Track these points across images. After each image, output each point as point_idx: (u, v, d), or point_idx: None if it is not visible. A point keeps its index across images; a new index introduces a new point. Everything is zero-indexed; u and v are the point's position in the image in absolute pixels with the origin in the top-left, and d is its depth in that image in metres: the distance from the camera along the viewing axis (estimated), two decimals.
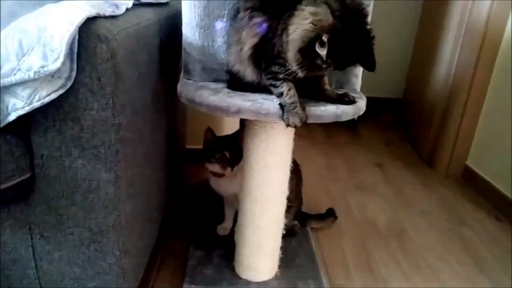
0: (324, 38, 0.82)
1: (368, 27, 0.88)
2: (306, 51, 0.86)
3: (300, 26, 0.85)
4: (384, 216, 1.70)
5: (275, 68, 0.93)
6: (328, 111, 0.94)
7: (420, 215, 1.74)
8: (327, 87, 1.04)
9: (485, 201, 1.88)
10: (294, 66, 0.88)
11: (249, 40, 0.95)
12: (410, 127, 2.61)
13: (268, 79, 0.96)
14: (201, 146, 1.31)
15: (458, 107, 2.03)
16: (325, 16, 0.84)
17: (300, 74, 0.89)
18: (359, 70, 1.13)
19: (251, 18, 0.94)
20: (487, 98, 1.97)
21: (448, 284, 1.33)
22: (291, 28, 0.87)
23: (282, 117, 0.92)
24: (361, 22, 0.87)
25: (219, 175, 1.27)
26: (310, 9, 0.85)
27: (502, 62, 1.88)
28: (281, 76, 0.93)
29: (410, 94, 2.75)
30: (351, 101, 0.99)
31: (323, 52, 0.84)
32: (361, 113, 1.02)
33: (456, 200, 1.89)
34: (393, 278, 1.34)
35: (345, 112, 0.95)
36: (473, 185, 2.00)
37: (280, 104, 0.93)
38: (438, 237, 1.59)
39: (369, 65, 0.88)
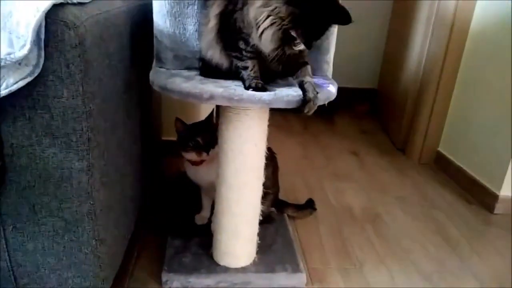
0: (293, 33, 0.85)
1: None
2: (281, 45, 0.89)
3: (262, 22, 0.87)
4: (360, 202, 1.74)
5: (241, 44, 0.95)
6: (298, 96, 0.95)
7: (395, 200, 1.79)
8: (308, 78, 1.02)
9: (456, 185, 1.95)
10: (261, 46, 0.91)
11: (213, 14, 0.97)
12: (384, 116, 2.66)
13: (235, 54, 0.98)
14: (176, 138, 1.31)
15: (429, 96, 2.10)
16: (277, 4, 0.85)
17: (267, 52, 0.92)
18: (330, 57, 1.15)
19: None
20: (456, 86, 2.04)
21: (421, 264, 1.38)
22: (251, 14, 0.89)
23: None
24: None
25: (197, 163, 1.28)
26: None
27: (470, 52, 1.95)
28: (246, 54, 0.96)
29: (384, 84, 2.80)
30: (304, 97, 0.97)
31: (297, 40, 0.86)
32: (332, 98, 1.04)
33: (429, 185, 1.95)
34: (368, 260, 1.38)
35: (316, 97, 0.97)
36: (445, 170, 2.07)
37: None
38: (411, 220, 1.64)
39: (343, 19, 0.87)
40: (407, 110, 2.25)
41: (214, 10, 0.98)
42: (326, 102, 1.01)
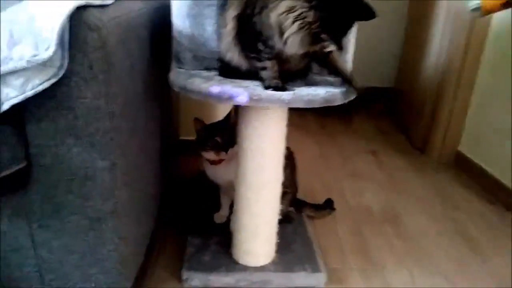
0: (323, 36, 0.85)
1: None
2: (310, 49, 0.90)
3: (288, 27, 0.88)
4: (378, 202, 1.73)
5: (260, 45, 0.95)
6: (317, 96, 0.95)
7: (414, 200, 1.76)
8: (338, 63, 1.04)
9: (477, 185, 1.91)
10: (286, 50, 0.91)
11: (230, 17, 0.98)
12: (402, 115, 2.63)
13: (253, 55, 0.98)
14: (194, 137, 1.32)
15: (448, 95, 2.06)
16: (303, 9, 0.86)
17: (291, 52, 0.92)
18: (350, 57, 1.14)
19: None
20: (477, 84, 2.00)
21: (442, 265, 1.36)
22: (272, 18, 0.89)
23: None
24: None
25: (216, 163, 1.28)
26: (286, 3, 0.87)
27: (490, 50, 1.91)
28: (265, 55, 0.96)
29: (401, 82, 2.77)
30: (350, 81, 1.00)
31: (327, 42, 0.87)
32: (352, 97, 1.03)
33: (449, 185, 1.92)
34: (388, 261, 1.37)
35: (335, 96, 0.97)
36: (465, 170, 2.03)
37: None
38: (431, 221, 1.62)
39: (368, 14, 0.87)
40: (425, 109, 2.22)
41: (232, 13, 0.99)
42: (346, 101, 1.00)
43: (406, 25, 2.73)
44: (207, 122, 1.33)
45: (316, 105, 0.95)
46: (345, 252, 1.40)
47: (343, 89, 1.00)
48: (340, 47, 0.90)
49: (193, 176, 1.72)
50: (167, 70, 1.15)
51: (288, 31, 0.88)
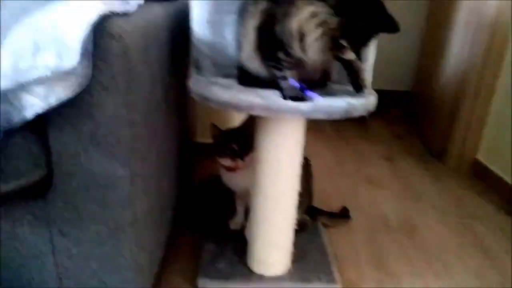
0: (343, 42, 0.84)
1: None
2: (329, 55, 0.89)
3: (309, 33, 0.86)
4: (395, 211, 1.71)
5: (280, 54, 0.95)
6: (338, 107, 0.94)
7: (431, 209, 1.74)
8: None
9: (495, 195, 1.87)
10: (305, 57, 0.91)
11: (251, 26, 0.97)
12: (419, 120, 2.60)
13: (273, 64, 0.98)
14: (210, 140, 1.31)
15: (467, 101, 2.02)
16: (326, 15, 0.85)
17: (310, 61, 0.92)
18: (370, 66, 1.12)
19: (253, 4, 0.97)
20: (497, 91, 1.95)
21: (459, 278, 1.34)
22: (294, 25, 0.88)
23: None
24: None
25: (232, 170, 1.28)
26: (309, 9, 0.86)
27: None
28: (285, 64, 0.95)
29: (418, 87, 2.73)
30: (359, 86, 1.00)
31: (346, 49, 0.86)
32: (372, 109, 1.02)
33: (467, 194, 1.88)
34: (405, 272, 1.34)
35: (356, 107, 0.95)
36: (483, 179, 1.99)
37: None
38: (449, 231, 1.59)
39: (392, 27, 0.87)
40: (443, 115, 2.18)
41: (252, 23, 0.98)
42: (366, 113, 0.99)
43: (424, 27, 2.69)
44: (224, 125, 1.32)
45: (336, 117, 0.93)
46: (360, 262, 1.38)
47: (364, 100, 0.99)
48: (359, 57, 0.88)
49: (208, 179, 1.72)
50: (184, 71, 1.14)
51: (309, 36, 0.87)
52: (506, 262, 1.43)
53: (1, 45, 0.72)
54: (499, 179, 1.88)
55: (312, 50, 0.89)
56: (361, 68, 1.02)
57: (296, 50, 0.91)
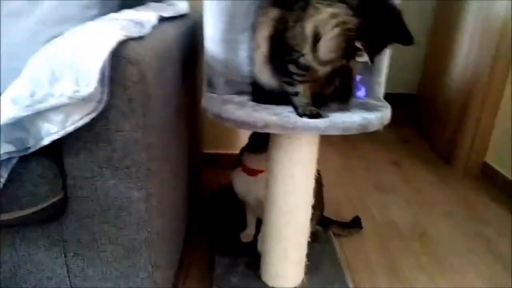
0: (358, 44, 0.82)
1: (391, 3, 0.87)
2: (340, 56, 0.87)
3: (326, 33, 0.85)
4: (405, 217, 1.70)
5: (291, 67, 0.94)
6: (354, 123, 0.93)
7: (441, 214, 1.73)
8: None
9: (506, 198, 1.86)
10: (315, 60, 0.89)
11: (262, 37, 0.96)
12: (426, 123, 2.58)
13: (285, 80, 0.97)
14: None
15: (475, 104, 2.01)
16: (346, 16, 0.83)
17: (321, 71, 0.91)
18: (382, 78, 1.12)
19: (265, 14, 0.96)
20: (506, 93, 1.94)
21: (473, 284, 1.33)
22: (308, 27, 0.87)
23: None
24: (383, 3, 0.86)
25: (254, 173, 1.26)
26: (329, 10, 0.85)
27: None
28: (297, 77, 0.94)
29: (425, 89, 2.72)
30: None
31: (360, 51, 0.85)
32: (386, 123, 1.01)
33: (477, 199, 1.88)
34: (418, 280, 1.34)
35: (371, 122, 0.95)
36: (492, 182, 1.98)
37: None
38: (460, 237, 1.58)
39: (406, 39, 0.86)
40: (451, 118, 2.17)
41: (263, 33, 0.97)
42: (382, 127, 0.98)
43: (430, 29, 2.67)
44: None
45: (353, 132, 0.93)
46: (373, 271, 1.38)
47: (379, 114, 0.98)
48: (372, 60, 0.87)
49: (216, 190, 1.72)
50: (194, 86, 1.13)
51: (325, 36, 0.85)
52: None
53: (20, 73, 0.72)
54: (509, 182, 1.87)
55: (324, 49, 0.87)
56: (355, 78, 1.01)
57: (306, 54, 0.89)
